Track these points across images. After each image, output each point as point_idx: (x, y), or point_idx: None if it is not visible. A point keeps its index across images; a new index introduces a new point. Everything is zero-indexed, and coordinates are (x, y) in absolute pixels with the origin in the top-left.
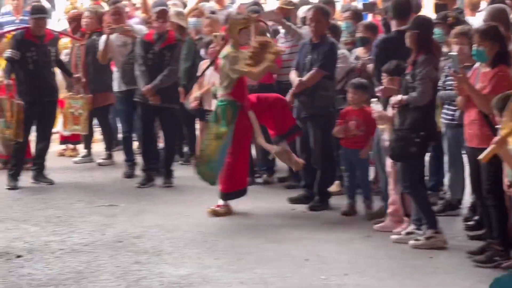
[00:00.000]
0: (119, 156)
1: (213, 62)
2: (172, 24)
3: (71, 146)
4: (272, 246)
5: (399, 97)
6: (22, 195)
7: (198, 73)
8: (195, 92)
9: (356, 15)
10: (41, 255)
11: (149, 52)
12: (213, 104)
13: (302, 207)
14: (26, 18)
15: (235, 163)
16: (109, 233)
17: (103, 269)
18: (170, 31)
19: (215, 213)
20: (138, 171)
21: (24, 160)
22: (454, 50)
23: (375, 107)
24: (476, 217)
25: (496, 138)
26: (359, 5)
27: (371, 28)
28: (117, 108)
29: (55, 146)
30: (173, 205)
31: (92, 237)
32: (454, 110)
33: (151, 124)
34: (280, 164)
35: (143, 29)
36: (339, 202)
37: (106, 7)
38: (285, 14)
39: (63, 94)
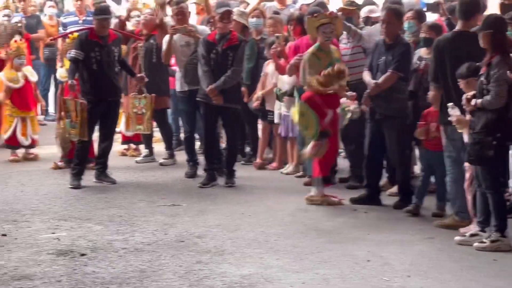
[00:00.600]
0: (181, 156)
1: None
2: (235, 24)
3: (133, 146)
4: (334, 246)
5: (473, 101)
6: (85, 194)
7: (261, 74)
8: (258, 92)
9: (419, 15)
10: (105, 253)
11: (212, 52)
12: (276, 105)
13: (364, 207)
14: (89, 18)
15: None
16: (171, 232)
17: (165, 268)
18: (233, 32)
19: (311, 201)
20: (200, 171)
21: (87, 160)
22: None
23: (452, 111)
24: None
25: None
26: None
27: (435, 28)
28: (179, 108)
29: (117, 146)
30: (235, 205)
31: (154, 237)
32: None
33: (214, 124)
34: (341, 164)
35: (206, 29)
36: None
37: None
38: (347, 14)
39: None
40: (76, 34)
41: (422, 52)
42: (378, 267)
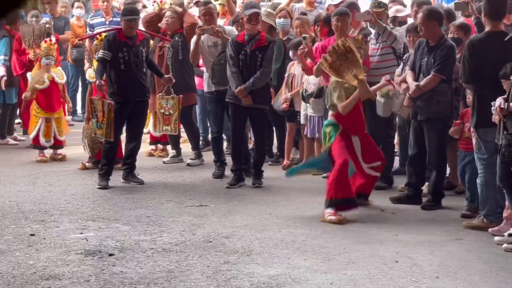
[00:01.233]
0: (208, 156)
1: None
2: (262, 24)
3: (160, 146)
4: (362, 247)
5: (503, 104)
6: (112, 194)
7: (286, 74)
8: (284, 93)
9: (448, 15)
10: (132, 254)
11: (241, 53)
12: (302, 106)
13: (392, 208)
14: (116, 19)
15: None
16: (199, 233)
17: (193, 268)
18: (262, 33)
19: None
20: (228, 172)
21: (115, 160)
22: None
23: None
24: None
25: None
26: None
27: (464, 28)
28: (206, 109)
29: (145, 146)
30: (262, 206)
31: (182, 237)
32: None
33: (242, 124)
34: None
35: (233, 30)
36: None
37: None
38: (377, 16)
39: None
40: (104, 34)
41: None
42: (406, 268)
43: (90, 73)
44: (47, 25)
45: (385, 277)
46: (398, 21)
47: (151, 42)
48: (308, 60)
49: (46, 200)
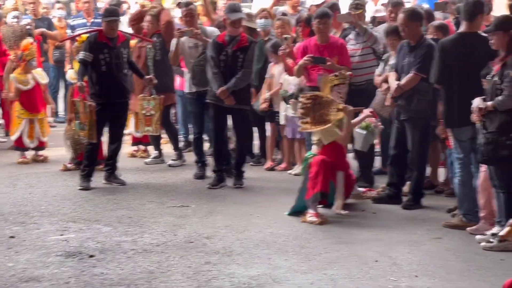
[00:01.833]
0: (190, 157)
1: None
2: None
3: (142, 147)
4: (342, 247)
5: (482, 104)
6: (94, 195)
7: (266, 75)
8: (264, 93)
9: (427, 15)
10: (113, 255)
11: (221, 54)
12: (281, 106)
13: (373, 208)
14: (97, 20)
15: None
16: (180, 233)
17: (174, 269)
18: (242, 33)
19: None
20: (209, 172)
21: (96, 161)
22: None
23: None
24: None
25: None
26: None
27: (442, 29)
28: (187, 110)
29: (127, 147)
30: (243, 206)
31: (163, 238)
32: None
33: (223, 125)
34: (351, 165)
35: (215, 31)
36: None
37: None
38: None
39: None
40: (85, 36)
41: None
42: (386, 267)
43: (71, 74)
44: (28, 26)
45: (364, 276)
46: (377, 21)
47: (132, 42)
48: (290, 61)
49: (27, 201)
